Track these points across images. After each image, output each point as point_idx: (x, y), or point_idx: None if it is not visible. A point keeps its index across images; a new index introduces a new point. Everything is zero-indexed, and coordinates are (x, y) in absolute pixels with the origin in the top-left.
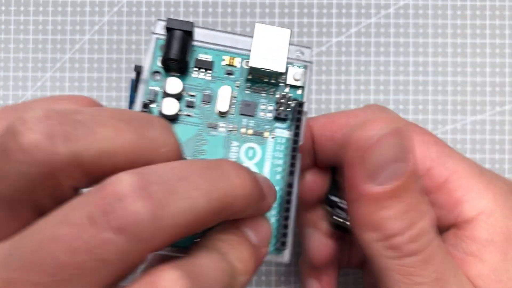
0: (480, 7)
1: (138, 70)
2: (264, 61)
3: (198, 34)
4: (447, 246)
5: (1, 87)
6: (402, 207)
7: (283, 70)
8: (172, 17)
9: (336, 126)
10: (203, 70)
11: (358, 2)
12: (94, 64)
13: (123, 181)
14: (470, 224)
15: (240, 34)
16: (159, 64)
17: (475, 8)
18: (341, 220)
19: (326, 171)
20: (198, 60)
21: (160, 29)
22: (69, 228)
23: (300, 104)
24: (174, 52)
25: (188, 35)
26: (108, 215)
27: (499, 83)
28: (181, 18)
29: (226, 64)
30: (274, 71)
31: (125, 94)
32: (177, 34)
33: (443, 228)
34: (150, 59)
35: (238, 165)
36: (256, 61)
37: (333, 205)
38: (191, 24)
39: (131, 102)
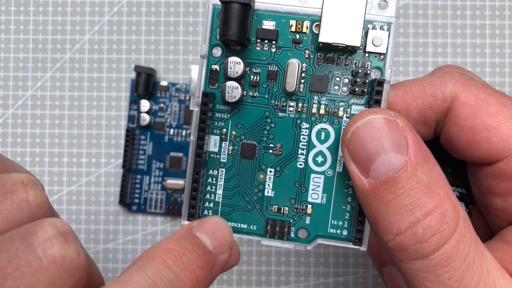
0: (480, 7)
1: (138, 70)
2: (336, 35)
3: None
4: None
5: (1, 87)
6: (402, 202)
7: (358, 44)
8: (172, 17)
9: (410, 97)
10: (267, 41)
11: None
12: (94, 64)
13: None
14: None
15: None
16: (217, 38)
17: (475, 8)
18: None
19: None
20: (260, 30)
21: None
22: None
23: (380, 83)
24: (232, 31)
25: (248, 7)
26: None
27: (498, 83)
28: (182, 18)
29: (293, 31)
30: (348, 46)
31: (125, 94)
32: (234, 8)
33: None
34: (208, 32)
35: None
36: (327, 36)
37: None
38: None
39: (131, 101)
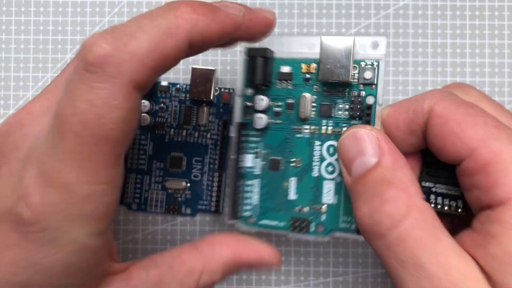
0: (479, 8)
1: None
2: (330, 74)
3: (276, 43)
4: (475, 226)
5: (2, 87)
6: (368, 192)
7: (348, 80)
8: None
9: (398, 113)
10: (285, 81)
11: (358, 3)
12: None
13: (92, 36)
14: (500, 206)
15: (315, 35)
16: (249, 81)
17: (474, 9)
18: (438, 206)
19: (413, 157)
20: (279, 73)
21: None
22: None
23: (369, 107)
24: (258, 78)
25: (268, 59)
26: (83, 59)
27: (498, 84)
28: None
29: (304, 72)
30: (340, 81)
31: None
32: (259, 61)
33: (481, 209)
34: (242, 79)
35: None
36: (323, 75)
37: (427, 192)
38: (270, 50)
39: None
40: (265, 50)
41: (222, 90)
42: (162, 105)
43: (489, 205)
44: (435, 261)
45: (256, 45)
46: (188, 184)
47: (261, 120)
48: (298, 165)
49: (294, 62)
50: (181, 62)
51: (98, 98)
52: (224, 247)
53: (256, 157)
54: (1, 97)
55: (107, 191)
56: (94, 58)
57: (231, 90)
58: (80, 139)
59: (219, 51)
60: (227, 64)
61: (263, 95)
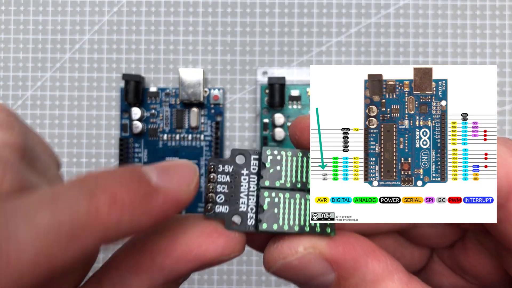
0: (480, 7)
1: (126, 78)
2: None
3: (289, 73)
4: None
5: (1, 86)
6: None
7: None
8: (172, 17)
9: None
10: (295, 102)
11: (358, 2)
12: (94, 64)
13: None
14: None
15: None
16: (265, 103)
17: (475, 8)
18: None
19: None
20: (290, 96)
21: (260, 75)
22: None
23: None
24: (276, 100)
25: (283, 85)
26: None
27: (498, 83)
28: (182, 18)
29: (309, 95)
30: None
31: None
32: (276, 86)
33: None
34: (259, 102)
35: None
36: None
37: None
38: (284, 78)
39: (122, 110)
40: (281, 79)
41: (212, 90)
42: (153, 111)
43: None
44: None
45: (275, 74)
46: None
47: (281, 133)
48: None
49: (302, 87)
50: (181, 61)
51: None
52: (135, 274)
53: None
54: (0, 97)
55: None
56: None
57: (220, 90)
58: None
59: (207, 50)
60: (215, 64)
61: (280, 113)
